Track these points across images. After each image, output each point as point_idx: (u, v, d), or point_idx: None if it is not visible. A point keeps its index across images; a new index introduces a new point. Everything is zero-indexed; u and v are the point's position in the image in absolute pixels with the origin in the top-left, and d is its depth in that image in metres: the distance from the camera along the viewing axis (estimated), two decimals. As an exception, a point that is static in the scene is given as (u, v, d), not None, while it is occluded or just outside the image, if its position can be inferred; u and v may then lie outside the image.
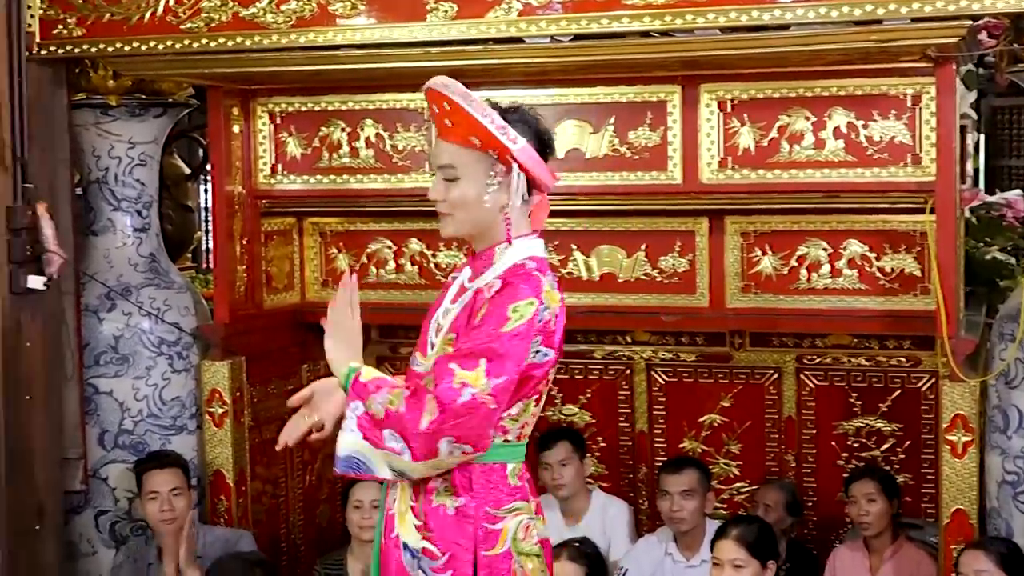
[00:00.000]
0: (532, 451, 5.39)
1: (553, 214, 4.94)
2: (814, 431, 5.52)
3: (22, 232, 4.64)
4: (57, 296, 4.96)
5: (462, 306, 3.13)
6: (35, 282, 4.68)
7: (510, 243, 3.12)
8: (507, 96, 4.87)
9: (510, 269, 3.08)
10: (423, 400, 2.94)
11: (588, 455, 5.43)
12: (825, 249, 4.92)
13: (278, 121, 5.30)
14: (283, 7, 4.47)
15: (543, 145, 3.14)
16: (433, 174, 3.17)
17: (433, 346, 3.17)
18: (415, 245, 5.31)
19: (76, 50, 4.78)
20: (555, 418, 5.66)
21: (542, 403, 3.17)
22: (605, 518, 5.31)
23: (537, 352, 3.04)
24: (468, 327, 3.05)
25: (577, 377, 5.69)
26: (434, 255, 5.30)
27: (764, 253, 4.97)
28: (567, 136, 4.94)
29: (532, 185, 3.14)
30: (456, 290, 3.21)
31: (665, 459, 5.45)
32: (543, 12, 4.23)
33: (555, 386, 5.62)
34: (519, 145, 3.05)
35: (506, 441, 3.10)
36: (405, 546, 3.13)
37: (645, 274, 5.09)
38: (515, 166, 3.07)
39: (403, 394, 2.97)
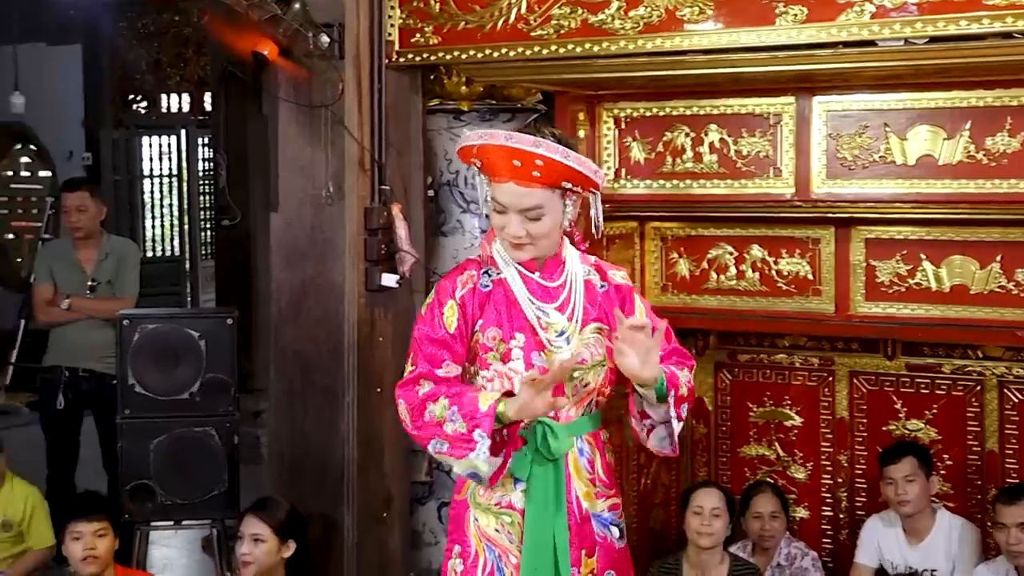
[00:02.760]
0: (874, 465, 5.27)
1: (902, 222, 4.91)
2: None
3: (378, 232, 4.86)
4: (408, 294, 5.15)
5: (582, 298, 3.44)
6: (388, 280, 4.89)
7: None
8: (856, 101, 4.86)
9: (588, 261, 3.55)
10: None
11: (934, 473, 5.22)
12: None
13: (623, 126, 5.34)
14: (631, 13, 4.49)
15: None
16: (498, 211, 3.41)
17: (563, 333, 3.40)
18: (757, 252, 5.23)
19: (432, 58, 4.95)
20: (898, 433, 5.46)
21: None
22: (950, 539, 5.11)
23: None
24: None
25: (923, 392, 5.46)
26: (776, 262, 5.20)
27: None
28: (919, 142, 4.79)
29: None
30: (538, 289, 3.43)
31: (1016, 482, 5.18)
32: (897, 14, 4.09)
33: (899, 400, 5.46)
34: (600, 176, 3.38)
35: None
36: (595, 517, 3.46)
37: (1000, 287, 4.85)
38: (595, 193, 3.42)
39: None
